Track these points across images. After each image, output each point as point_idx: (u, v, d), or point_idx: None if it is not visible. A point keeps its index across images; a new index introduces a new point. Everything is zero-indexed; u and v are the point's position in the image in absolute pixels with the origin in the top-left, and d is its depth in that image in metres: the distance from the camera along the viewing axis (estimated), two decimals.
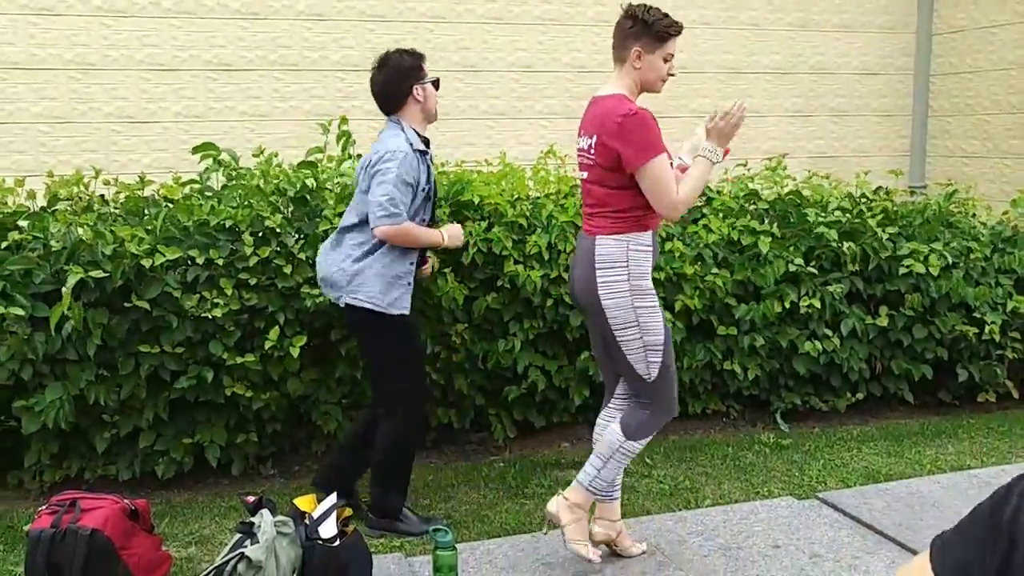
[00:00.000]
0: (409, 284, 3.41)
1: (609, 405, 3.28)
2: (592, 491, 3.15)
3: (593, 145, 3.01)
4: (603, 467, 3.12)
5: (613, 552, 3.31)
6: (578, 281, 3.08)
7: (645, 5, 3.02)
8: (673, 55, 3.02)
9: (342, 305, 3.41)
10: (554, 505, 3.16)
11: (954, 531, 1.13)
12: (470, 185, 4.29)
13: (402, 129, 3.39)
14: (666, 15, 3.00)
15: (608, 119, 2.95)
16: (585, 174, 3.09)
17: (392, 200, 3.26)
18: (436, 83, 3.48)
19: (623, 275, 2.99)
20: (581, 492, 3.16)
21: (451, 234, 3.51)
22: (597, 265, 3.01)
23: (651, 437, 3.14)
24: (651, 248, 3.05)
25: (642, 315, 3.00)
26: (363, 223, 3.38)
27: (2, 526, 3.60)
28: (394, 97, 3.41)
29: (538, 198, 4.55)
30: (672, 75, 3.06)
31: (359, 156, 4.32)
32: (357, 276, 3.35)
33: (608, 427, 3.17)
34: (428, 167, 3.41)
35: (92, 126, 5.98)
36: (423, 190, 3.37)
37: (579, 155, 3.11)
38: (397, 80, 3.38)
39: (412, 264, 3.42)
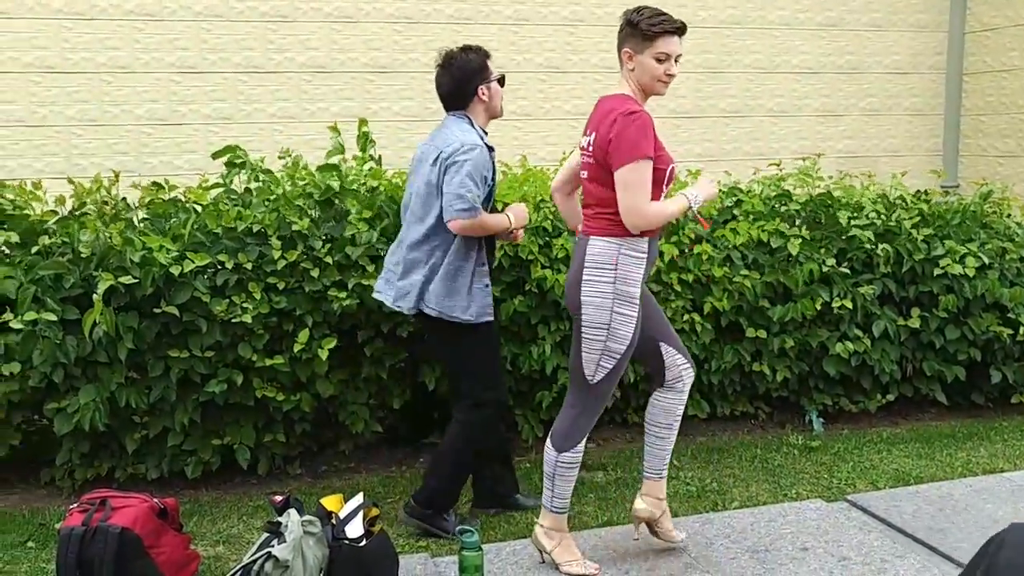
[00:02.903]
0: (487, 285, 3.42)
1: (661, 387, 3.27)
2: (556, 511, 3.18)
3: (592, 143, 2.98)
4: (553, 486, 3.16)
5: (652, 532, 3.32)
6: (568, 278, 3.08)
7: (641, 7, 2.97)
8: (670, 55, 2.93)
9: (426, 311, 3.37)
10: (534, 533, 3.23)
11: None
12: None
13: (471, 124, 3.39)
14: (658, 13, 2.93)
15: (608, 117, 2.92)
16: (585, 173, 3.06)
17: (471, 191, 3.23)
18: (502, 80, 3.46)
19: (609, 278, 2.96)
20: (549, 515, 3.20)
21: (516, 214, 3.47)
22: (585, 264, 2.99)
23: (583, 444, 3.13)
24: (646, 255, 3.00)
25: (616, 320, 2.98)
26: (433, 228, 3.34)
27: (34, 524, 3.65)
28: (461, 97, 3.40)
29: None
30: (672, 75, 2.96)
31: (379, 158, 4.33)
32: (441, 284, 3.34)
33: (544, 450, 3.19)
34: (494, 163, 3.41)
35: (123, 128, 6.05)
36: (489, 185, 3.36)
37: (581, 153, 3.08)
38: (464, 80, 3.38)
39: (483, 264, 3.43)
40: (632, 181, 2.87)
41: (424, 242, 3.36)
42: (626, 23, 2.97)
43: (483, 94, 3.40)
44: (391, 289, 3.49)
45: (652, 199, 2.95)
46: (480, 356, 3.45)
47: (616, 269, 2.96)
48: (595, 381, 3.06)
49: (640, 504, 3.27)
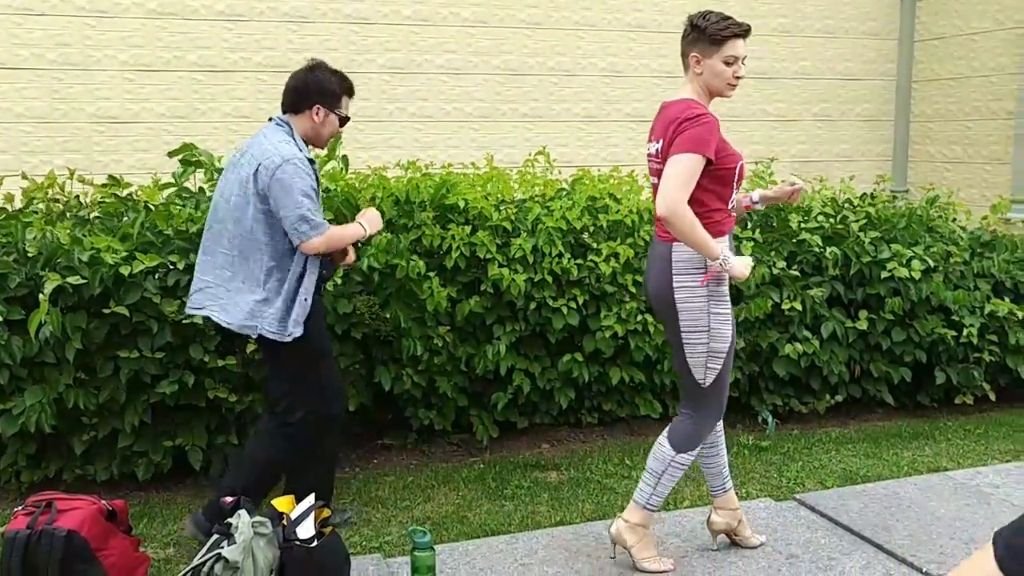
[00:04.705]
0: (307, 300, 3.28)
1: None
2: (650, 509, 3.18)
3: (661, 149, 3.00)
4: (657, 483, 3.15)
5: (732, 542, 3.38)
6: (653, 287, 3.08)
7: (705, 11, 3.01)
8: (738, 57, 2.98)
9: (254, 336, 3.20)
10: (615, 528, 3.21)
11: (1018, 520, 1.12)
12: (455, 188, 4.30)
13: (291, 135, 3.26)
14: (726, 18, 2.98)
15: (675, 121, 2.95)
16: (656, 180, 3.07)
17: (310, 209, 3.13)
18: (343, 120, 3.36)
19: (700, 280, 2.99)
20: (639, 512, 3.19)
21: (369, 220, 3.37)
22: (674, 271, 3.00)
23: (699, 448, 3.15)
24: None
25: (715, 320, 3.01)
26: (265, 243, 3.18)
27: None
28: (296, 102, 3.28)
29: (524, 201, 4.57)
30: (740, 77, 3.01)
31: (344, 157, 4.31)
32: (277, 303, 3.20)
33: (657, 442, 3.19)
34: (317, 176, 3.29)
35: (74, 126, 5.97)
36: (316, 197, 3.25)
37: (649, 160, 3.10)
38: (310, 91, 3.27)
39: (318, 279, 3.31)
40: (680, 170, 2.86)
41: (258, 259, 3.19)
42: (692, 28, 3.00)
43: (316, 114, 3.28)
44: (223, 305, 3.26)
45: (724, 197, 3.00)
46: (305, 369, 3.34)
47: (706, 270, 2.99)
48: (707, 384, 3.07)
49: (716, 517, 3.32)
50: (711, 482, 3.34)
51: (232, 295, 3.24)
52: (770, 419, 4.84)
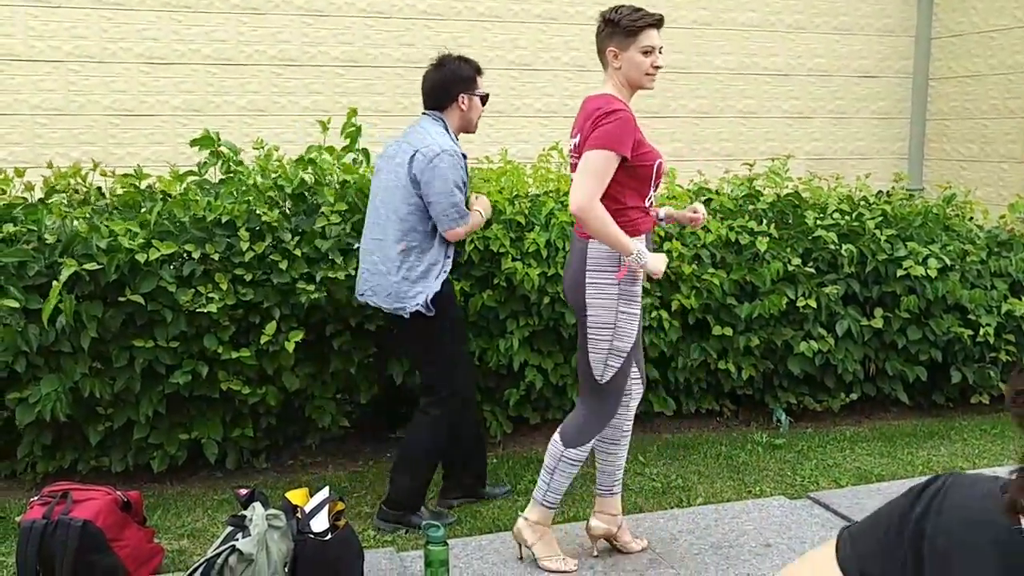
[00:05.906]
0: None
1: None
2: (547, 506, 3.17)
3: (579, 144, 3.00)
4: (551, 479, 3.14)
5: (613, 547, 3.33)
6: (568, 282, 3.09)
7: (617, 6, 3.02)
8: (654, 47, 2.97)
9: (406, 315, 3.40)
10: (516, 525, 3.21)
11: (866, 523, 1.12)
12: (468, 182, 4.29)
13: (446, 129, 3.46)
14: (637, 9, 2.98)
15: (591, 116, 2.94)
16: (574, 176, 3.08)
17: (461, 200, 3.35)
18: (485, 98, 3.54)
19: (613, 279, 2.98)
20: (537, 509, 3.18)
21: (484, 206, 3.61)
22: (588, 267, 3.00)
23: (591, 444, 3.13)
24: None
25: (622, 318, 3.01)
26: (412, 227, 3.38)
27: None
28: (441, 98, 3.47)
29: (538, 196, 4.56)
30: (658, 67, 3.01)
31: (364, 150, 4.31)
32: (418, 283, 3.39)
33: (552, 437, 3.19)
34: (467, 170, 3.48)
35: (90, 118, 5.98)
36: (465, 190, 3.47)
37: (570, 154, 3.11)
38: (450, 82, 3.45)
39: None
40: (593, 167, 2.87)
41: (401, 240, 3.39)
42: (606, 23, 3.00)
43: (463, 103, 3.48)
44: (374, 288, 3.49)
45: (642, 195, 3.00)
46: (448, 347, 3.51)
47: (620, 267, 2.98)
48: (605, 381, 3.07)
49: (595, 522, 3.27)
50: (600, 480, 3.28)
51: (376, 277, 3.45)
52: (784, 417, 4.82)
